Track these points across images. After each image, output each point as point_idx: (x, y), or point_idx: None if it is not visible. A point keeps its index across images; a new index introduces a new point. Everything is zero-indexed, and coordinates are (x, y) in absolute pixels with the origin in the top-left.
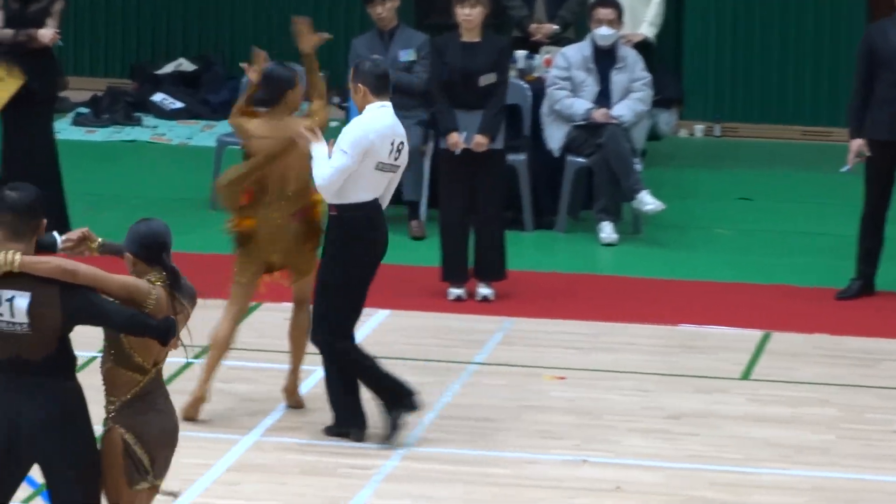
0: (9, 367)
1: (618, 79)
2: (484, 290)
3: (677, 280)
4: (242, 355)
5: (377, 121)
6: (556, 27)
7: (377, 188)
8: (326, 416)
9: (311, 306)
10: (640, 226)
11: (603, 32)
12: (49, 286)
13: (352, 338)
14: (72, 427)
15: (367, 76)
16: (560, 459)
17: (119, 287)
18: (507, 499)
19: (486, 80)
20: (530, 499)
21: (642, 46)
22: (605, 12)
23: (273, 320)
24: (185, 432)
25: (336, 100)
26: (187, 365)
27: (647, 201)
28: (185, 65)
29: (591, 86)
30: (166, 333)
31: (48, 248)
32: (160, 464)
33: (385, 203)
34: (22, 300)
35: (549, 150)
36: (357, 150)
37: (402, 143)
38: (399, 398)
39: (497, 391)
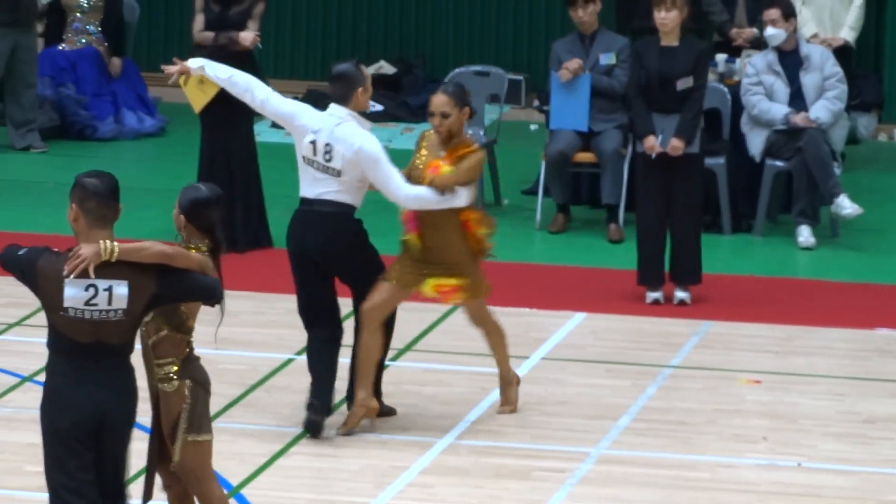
0: (90, 351)
1: (808, 79)
2: (680, 294)
3: (874, 284)
4: (437, 358)
5: (311, 112)
6: (756, 31)
7: (307, 185)
8: (521, 420)
9: (485, 324)
10: (838, 230)
11: (769, 33)
12: (145, 272)
13: (313, 331)
14: (135, 401)
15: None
16: (754, 463)
17: (196, 264)
18: (704, 502)
19: (684, 83)
20: (726, 502)
21: (842, 50)
22: (769, 13)
23: (467, 323)
24: (381, 435)
25: (535, 103)
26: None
27: (846, 205)
28: (386, 68)
29: (781, 89)
30: (219, 297)
31: None
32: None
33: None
34: (121, 288)
35: (751, 156)
36: (290, 103)
37: (327, 144)
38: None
39: (692, 394)
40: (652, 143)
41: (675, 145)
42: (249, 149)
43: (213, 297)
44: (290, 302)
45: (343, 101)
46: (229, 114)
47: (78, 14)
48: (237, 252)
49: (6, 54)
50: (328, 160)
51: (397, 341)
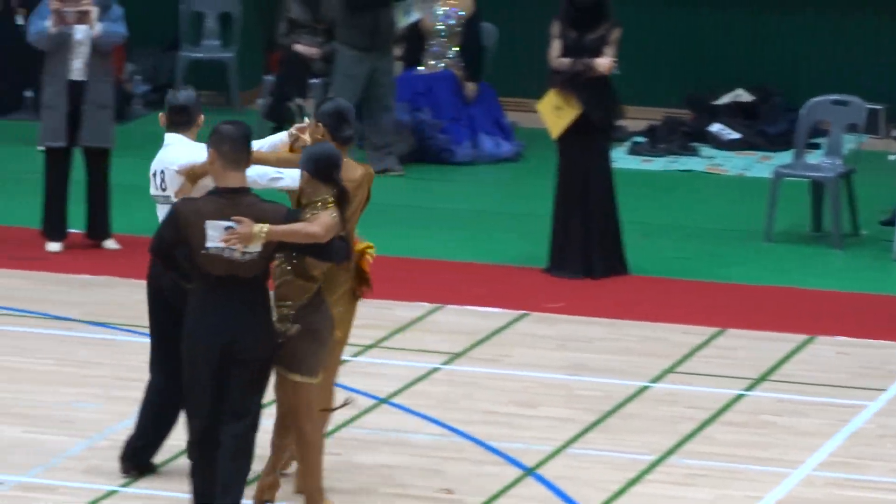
0: (224, 282)
1: None
2: None
3: None
4: (794, 388)
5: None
6: None
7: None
8: (880, 453)
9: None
10: None
11: None
12: (276, 223)
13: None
14: (270, 327)
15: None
16: None
17: (335, 233)
18: None
19: None
20: None
21: None
22: None
23: (826, 353)
24: (736, 465)
25: (894, 133)
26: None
27: None
28: (744, 95)
29: None
30: (348, 257)
31: None
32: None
33: None
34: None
35: None
36: None
37: (162, 172)
38: None
39: None
40: None
41: None
42: (606, 175)
43: (329, 259)
44: (646, 329)
45: (181, 127)
46: (587, 139)
47: (437, 38)
48: (593, 279)
49: (364, 78)
50: (164, 188)
51: (752, 370)
